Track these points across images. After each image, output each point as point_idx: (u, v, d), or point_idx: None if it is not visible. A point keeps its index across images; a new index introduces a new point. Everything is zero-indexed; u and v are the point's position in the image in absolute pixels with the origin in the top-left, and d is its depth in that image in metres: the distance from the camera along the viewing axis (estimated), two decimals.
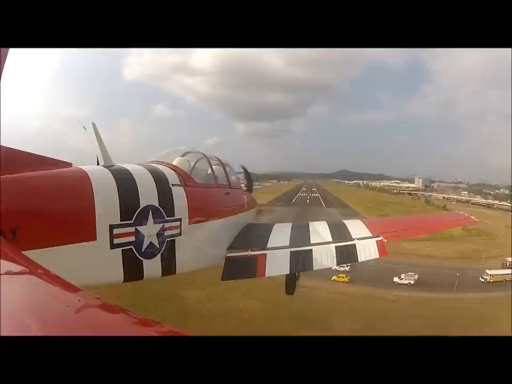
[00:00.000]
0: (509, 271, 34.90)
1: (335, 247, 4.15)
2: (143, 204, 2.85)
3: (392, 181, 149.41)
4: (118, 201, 2.66)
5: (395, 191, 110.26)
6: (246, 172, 6.64)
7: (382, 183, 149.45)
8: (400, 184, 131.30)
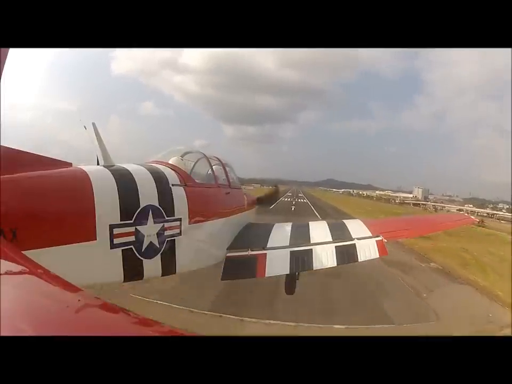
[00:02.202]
0: None
1: (335, 247, 4.15)
2: (143, 203, 2.85)
3: (386, 191, 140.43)
4: (118, 201, 2.66)
5: (398, 200, 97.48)
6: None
7: (377, 192, 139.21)
8: (397, 194, 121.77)
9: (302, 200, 60.30)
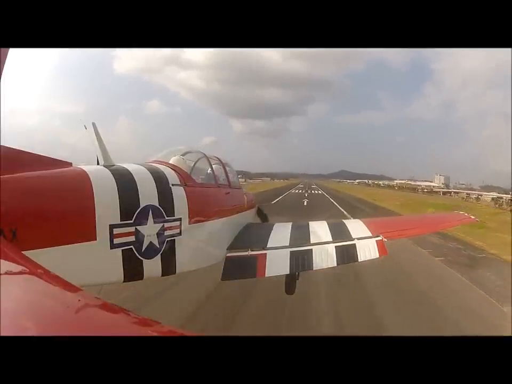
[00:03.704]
0: None
1: (335, 247, 4.14)
2: (143, 203, 2.85)
3: (406, 180, 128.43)
4: (118, 201, 2.66)
5: (426, 190, 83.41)
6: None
7: (396, 181, 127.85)
8: (419, 183, 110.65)
9: (316, 191, 49.27)
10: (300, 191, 47.49)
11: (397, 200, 34.78)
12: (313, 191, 48.40)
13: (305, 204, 24.15)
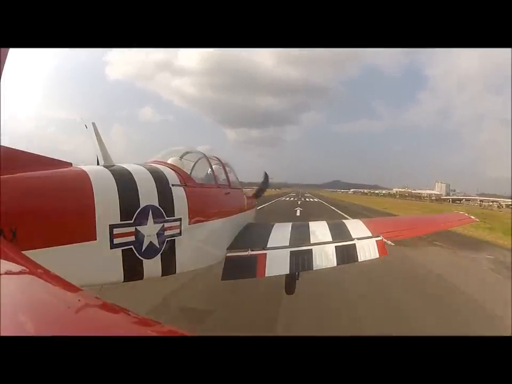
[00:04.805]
0: None
1: (335, 247, 4.15)
2: (143, 203, 2.85)
3: (406, 188, 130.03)
4: (118, 201, 2.66)
5: (434, 198, 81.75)
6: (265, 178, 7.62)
7: (396, 190, 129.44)
8: (417, 191, 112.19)
9: (311, 199, 46.76)
10: (292, 199, 44.94)
11: (408, 209, 32.62)
12: (307, 199, 45.91)
13: (298, 213, 21.08)
